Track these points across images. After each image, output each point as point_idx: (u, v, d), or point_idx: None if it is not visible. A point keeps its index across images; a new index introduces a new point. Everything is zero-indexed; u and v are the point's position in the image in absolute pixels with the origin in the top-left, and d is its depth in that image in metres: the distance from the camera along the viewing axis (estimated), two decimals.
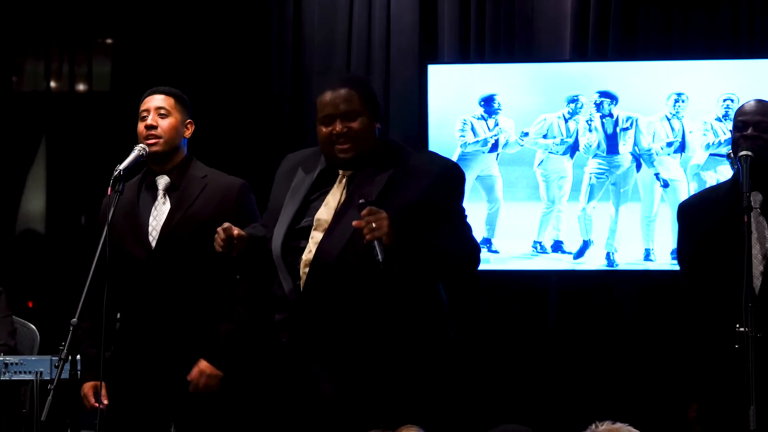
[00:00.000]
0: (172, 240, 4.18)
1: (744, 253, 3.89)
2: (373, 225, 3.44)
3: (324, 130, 3.64)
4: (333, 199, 3.65)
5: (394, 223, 3.45)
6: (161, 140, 4.23)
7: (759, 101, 4.16)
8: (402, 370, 3.55)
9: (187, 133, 4.33)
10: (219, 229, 3.63)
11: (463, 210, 3.70)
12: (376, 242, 3.44)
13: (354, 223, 3.49)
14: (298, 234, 3.63)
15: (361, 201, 3.50)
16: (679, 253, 4.31)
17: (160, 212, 4.23)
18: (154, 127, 4.23)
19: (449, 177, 3.69)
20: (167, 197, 4.25)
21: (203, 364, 4.15)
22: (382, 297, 3.57)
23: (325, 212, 3.62)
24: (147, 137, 4.22)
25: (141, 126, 4.26)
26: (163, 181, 4.26)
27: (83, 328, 3.96)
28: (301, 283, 3.59)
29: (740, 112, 4.15)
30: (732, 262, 3.99)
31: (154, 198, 4.25)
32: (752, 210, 3.90)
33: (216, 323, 4.19)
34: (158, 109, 4.26)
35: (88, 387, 4.20)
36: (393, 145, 3.73)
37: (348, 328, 3.56)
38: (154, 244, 4.19)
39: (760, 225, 4.04)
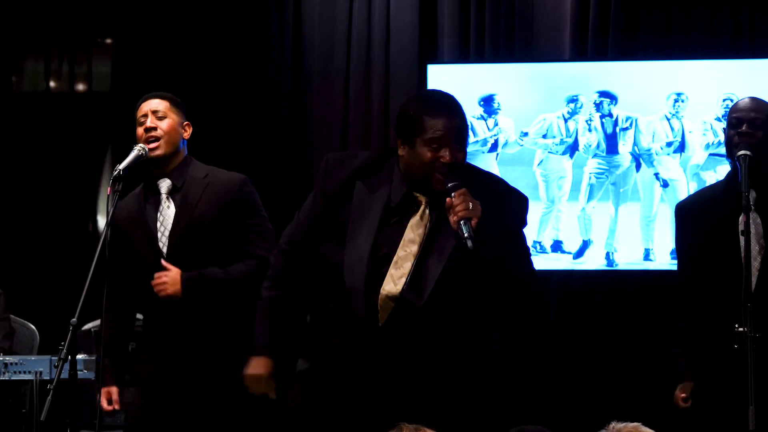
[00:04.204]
0: (181, 245, 4.21)
1: (738, 251, 3.91)
2: (470, 205, 3.41)
3: (429, 154, 3.48)
4: (415, 232, 3.56)
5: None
6: (161, 141, 4.25)
7: (753, 98, 4.16)
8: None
9: (186, 135, 4.35)
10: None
11: (525, 239, 3.67)
12: (465, 222, 3.40)
13: (448, 199, 3.42)
14: (377, 264, 3.53)
15: (453, 183, 3.44)
16: (677, 252, 4.34)
17: (166, 217, 4.26)
18: (154, 129, 4.25)
19: (521, 206, 3.66)
20: (170, 200, 4.27)
21: (176, 274, 4.17)
22: (464, 339, 3.54)
23: (407, 247, 3.53)
24: (147, 140, 4.24)
25: (140, 130, 4.28)
26: (165, 184, 4.29)
27: (110, 333, 4.12)
28: (380, 317, 3.52)
29: (734, 109, 4.16)
30: (727, 261, 4.01)
31: (158, 202, 4.28)
32: (750, 209, 3.90)
33: (232, 322, 4.21)
34: (155, 112, 4.29)
35: (103, 392, 4.27)
36: (465, 167, 3.63)
37: (425, 368, 3.51)
38: (165, 250, 4.22)
39: (755, 223, 4.04)
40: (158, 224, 4.26)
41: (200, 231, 4.22)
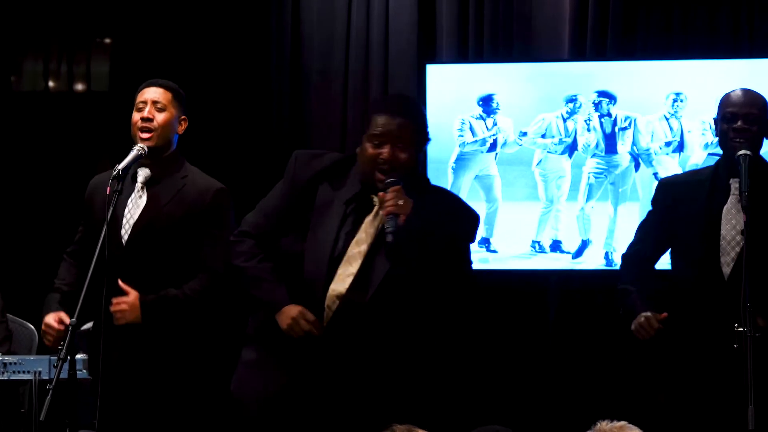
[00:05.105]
0: (141, 239, 4.20)
1: (716, 242, 3.95)
2: (400, 202, 3.48)
3: (371, 150, 3.62)
4: (366, 231, 3.64)
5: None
6: (155, 134, 4.25)
7: (745, 91, 4.15)
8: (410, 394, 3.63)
9: (180, 129, 4.35)
10: (301, 320, 3.60)
11: (470, 253, 3.76)
12: (392, 217, 3.48)
13: (380, 193, 3.52)
14: (334, 263, 3.62)
15: (390, 180, 3.52)
16: (644, 223, 4.35)
17: (134, 207, 4.26)
18: (150, 120, 4.25)
19: (472, 227, 3.77)
20: (144, 191, 4.26)
21: (134, 298, 4.14)
22: (407, 339, 3.60)
23: (357, 246, 3.61)
24: (141, 129, 4.24)
25: (136, 116, 4.28)
26: (143, 173, 4.28)
27: (68, 282, 4.21)
28: (326, 316, 3.59)
29: (728, 102, 4.14)
30: (703, 250, 4.03)
31: (132, 190, 4.26)
32: (749, 209, 3.90)
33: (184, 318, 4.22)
34: (155, 103, 4.28)
35: (51, 317, 4.22)
36: (423, 180, 3.76)
37: (367, 365, 3.59)
38: (125, 239, 4.21)
39: (737, 215, 4.04)
40: (126, 211, 4.25)
41: (163, 230, 4.22)
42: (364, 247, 3.60)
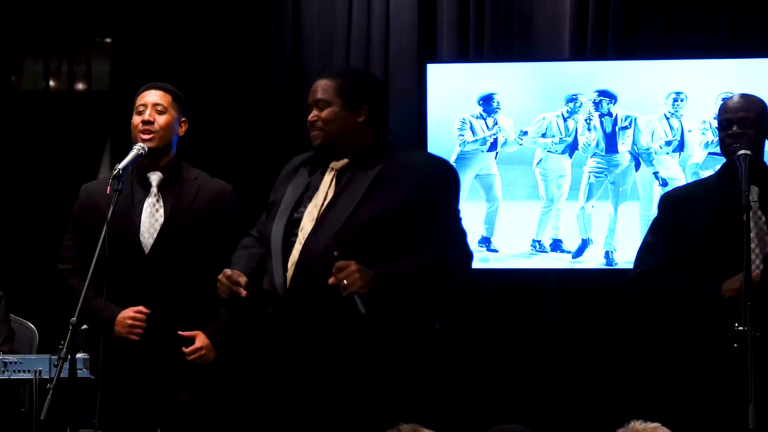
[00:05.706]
0: (170, 244, 4.20)
1: (741, 250, 3.91)
2: (345, 282, 3.44)
3: (309, 116, 3.73)
4: (321, 193, 3.67)
5: (365, 268, 3.46)
6: (156, 135, 4.24)
7: (742, 96, 4.16)
8: (388, 368, 3.56)
9: (181, 131, 4.35)
10: (222, 278, 3.64)
11: (455, 211, 3.70)
12: (355, 296, 3.43)
13: (330, 280, 3.47)
14: (292, 226, 3.65)
15: (335, 254, 3.49)
16: (654, 238, 4.29)
17: (154, 213, 4.23)
18: (151, 123, 4.24)
19: (441, 175, 3.69)
20: (160, 196, 4.25)
21: (204, 339, 4.17)
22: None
23: (313, 207, 3.64)
24: (143, 132, 4.23)
25: (137, 119, 4.27)
26: (156, 177, 4.27)
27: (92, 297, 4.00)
28: (288, 277, 3.60)
29: (723, 109, 4.15)
30: (730, 258, 4.00)
31: (146, 194, 4.25)
32: (750, 208, 3.91)
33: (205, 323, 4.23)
34: (155, 105, 4.27)
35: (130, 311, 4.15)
36: (385, 143, 3.74)
37: (331, 326, 3.56)
38: (149, 246, 4.19)
39: (758, 222, 4.04)
40: (144, 218, 4.23)
41: (191, 234, 4.22)
42: (316, 212, 3.62)
